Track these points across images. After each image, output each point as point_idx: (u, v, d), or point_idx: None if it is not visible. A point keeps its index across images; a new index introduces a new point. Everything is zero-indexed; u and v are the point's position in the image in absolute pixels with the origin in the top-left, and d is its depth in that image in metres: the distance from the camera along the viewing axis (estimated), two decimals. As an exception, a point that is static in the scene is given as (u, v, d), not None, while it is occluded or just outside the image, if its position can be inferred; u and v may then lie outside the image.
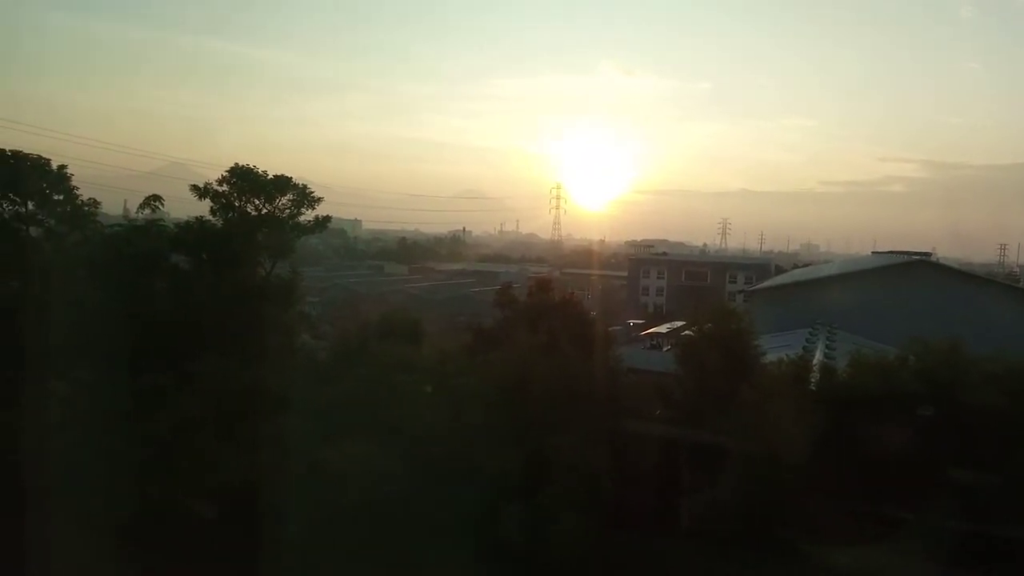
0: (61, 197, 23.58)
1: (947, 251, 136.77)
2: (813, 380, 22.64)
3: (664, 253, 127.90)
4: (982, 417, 19.68)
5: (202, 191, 23.94)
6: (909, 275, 44.38)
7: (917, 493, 19.35)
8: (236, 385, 18.56)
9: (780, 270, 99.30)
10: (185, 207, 26.32)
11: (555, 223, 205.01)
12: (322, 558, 15.69)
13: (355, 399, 17.34)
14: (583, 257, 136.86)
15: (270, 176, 24.36)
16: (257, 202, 24.03)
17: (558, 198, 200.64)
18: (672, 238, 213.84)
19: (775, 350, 25.33)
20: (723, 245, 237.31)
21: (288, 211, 24.39)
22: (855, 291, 43.96)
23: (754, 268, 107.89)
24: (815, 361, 25.79)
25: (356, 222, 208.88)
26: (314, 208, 24.90)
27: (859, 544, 19.24)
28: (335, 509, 15.46)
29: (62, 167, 23.77)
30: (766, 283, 67.19)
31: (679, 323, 55.75)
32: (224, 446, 17.44)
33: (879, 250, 71.18)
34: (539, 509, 16.83)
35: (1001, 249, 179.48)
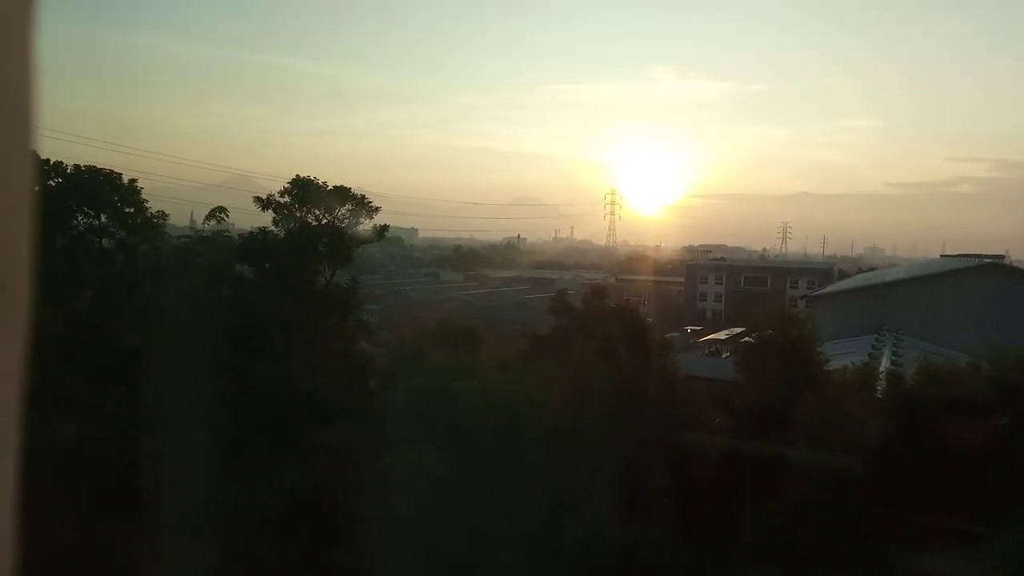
0: (132, 210, 24.58)
1: (1021, 253, 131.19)
2: (880, 388, 21.97)
3: (722, 258, 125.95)
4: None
5: (265, 202, 24.62)
6: (981, 279, 42.79)
7: (993, 504, 18.58)
8: (298, 392, 18.96)
9: (844, 275, 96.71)
10: (249, 218, 27.12)
11: (610, 229, 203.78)
12: (386, 564, 15.87)
13: (413, 406, 17.51)
14: (639, 263, 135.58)
15: (330, 187, 24.89)
16: (317, 212, 24.58)
17: (613, 203, 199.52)
18: (730, 243, 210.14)
19: (839, 357, 24.70)
20: (783, 249, 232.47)
21: (347, 221, 24.89)
22: (923, 296, 42.60)
23: (816, 273, 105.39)
24: (881, 368, 25.05)
25: (413, 230, 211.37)
26: (372, 217, 25.39)
27: (933, 557, 18.57)
28: (398, 515, 15.63)
29: (132, 181, 24.80)
30: (829, 288, 65.57)
31: (738, 329, 54.85)
32: (288, 453, 17.83)
33: (948, 253, 68.75)
34: (598, 518, 16.71)
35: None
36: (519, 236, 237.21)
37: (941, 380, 20.97)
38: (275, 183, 25.54)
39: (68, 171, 24.12)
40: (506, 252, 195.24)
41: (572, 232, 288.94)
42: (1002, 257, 56.20)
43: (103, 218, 24.34)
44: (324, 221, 24.74)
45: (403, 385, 18.65)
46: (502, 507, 15.68)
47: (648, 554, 16.91)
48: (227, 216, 25.38)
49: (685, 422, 20.83)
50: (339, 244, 24.61)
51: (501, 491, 15.89)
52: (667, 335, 27.86)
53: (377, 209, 25.48)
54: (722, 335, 61.15)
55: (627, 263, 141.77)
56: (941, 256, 69.56)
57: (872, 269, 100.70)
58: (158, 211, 25.23)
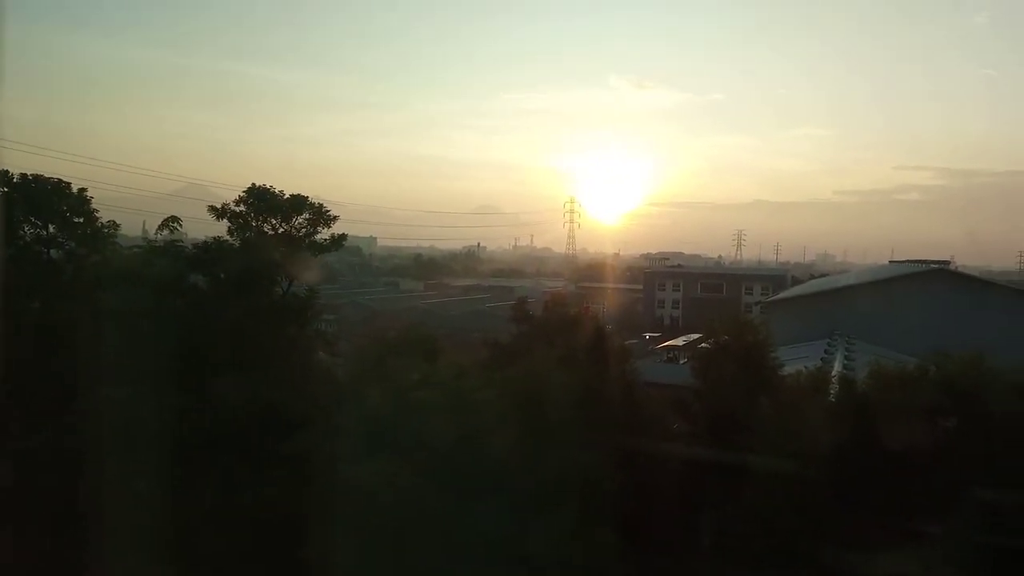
0: (81, 220, 23.96)
1: (966, 259, 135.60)
2: (832, 392, 22.45)
3: (679, 265, 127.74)
4: (1008, 428, 19.41)
5: (220, 211, 24.22)
6: (928, 284, 44.10)
7: (941, 505, 19.09)
8: (256, 404, 18.64)
9: (796, 281, 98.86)
10: (203, 227, 26.65)
11: (569, 237, 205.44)
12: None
13: (374, 416, 17.35)
14: (598, 271, 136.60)
15: (286, 196, 24.60)
16: (274, 221, 24.27)
17: (572, 212, 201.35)
18: (687, 250, 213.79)
19: (793, 362, 25.17)
20: (738, 256, 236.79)
21: (304, 230, 24.61)
22: (873, 301, 43.75)
23: (770, 279, 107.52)
24: (834, 372, 25.60)
25: (372, 239, 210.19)
26: (330, 226, 25.13)
27: (884, 557, 19.00)
28: (362, 527, 15.47)
29: (82, 190, 24.19)
30: (783, 294, 66.90)
31: (695, 336, 55.54)
32: (247, 466, 17.52)
33: (896, 259, 70.63)
34: (557, 526, 16.73)
35: (1021, 256, 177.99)
36: (479, 244, 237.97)
37: (892, 383, 21.49)
38: (230, 192, 25.13)
39: (14, 180, 23.44)
40: (466, 260, 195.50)
41: (532, 240, 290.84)
42: (948, 263, 58.00)
43: (51, 228, 23.69)
44: (281, 230, 24.44)
45: (362, 395, 18.47)
46: (461, 516, 15.62)
47: (607, 561, 16.97)
48: (181, 226, 24.79)
49: (644, 428, 21.00)
50: (296, 254, 24.30)
51: (460, 500, 15.83)
52: (626, 342, 28.10)
53: (335, 218, 25.24)
54: (680, 341, 61.94)
55: (587, 271, 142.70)
56: (890, 262, 71.47)
57: (824, 275, 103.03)
58: (109, 221, 24.61)
